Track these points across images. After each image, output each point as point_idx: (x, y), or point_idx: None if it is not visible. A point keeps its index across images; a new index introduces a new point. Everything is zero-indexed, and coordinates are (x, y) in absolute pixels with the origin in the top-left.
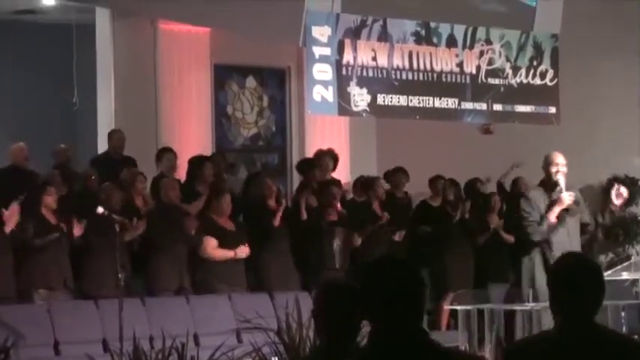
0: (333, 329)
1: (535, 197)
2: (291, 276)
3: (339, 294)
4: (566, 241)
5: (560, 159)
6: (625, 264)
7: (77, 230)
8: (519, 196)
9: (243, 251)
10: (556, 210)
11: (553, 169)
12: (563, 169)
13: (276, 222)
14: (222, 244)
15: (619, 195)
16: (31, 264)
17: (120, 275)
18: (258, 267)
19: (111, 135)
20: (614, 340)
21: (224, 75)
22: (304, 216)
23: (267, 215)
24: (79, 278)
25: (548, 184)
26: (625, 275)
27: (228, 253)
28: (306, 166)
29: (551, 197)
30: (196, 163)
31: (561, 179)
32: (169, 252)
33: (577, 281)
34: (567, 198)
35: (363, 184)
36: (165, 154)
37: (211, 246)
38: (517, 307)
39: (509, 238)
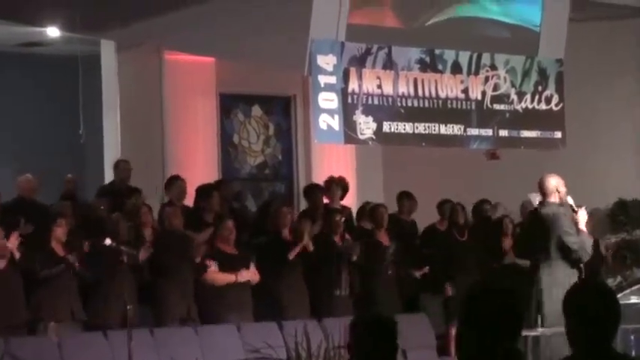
0: None
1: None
2: (305, 305)
3: (371, 329)
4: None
5: (561, 180)
6: (634, 287)
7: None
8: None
9: (245, 275)
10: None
11: (562, 190)
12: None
13: (292, 256)
14: (223, 268)
15: None
16: (40, 296)
17: (128, 307)
18: (272, 296)
19: (117, 165)
20: None
21: (230, 104)
22: (310, 248)
23: (282, 245)
24: (86, 310)
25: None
26: (634, 299)
27: (229, 277)
28: (312, 191)
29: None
30: (204, 192)
31: (570, 199)
32: (175, 279)
33: (592, 309)
34: (583, 216)
35: (368, 211)
36: (174, 182)
37: (211, 270)
38: (526, 333)
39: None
